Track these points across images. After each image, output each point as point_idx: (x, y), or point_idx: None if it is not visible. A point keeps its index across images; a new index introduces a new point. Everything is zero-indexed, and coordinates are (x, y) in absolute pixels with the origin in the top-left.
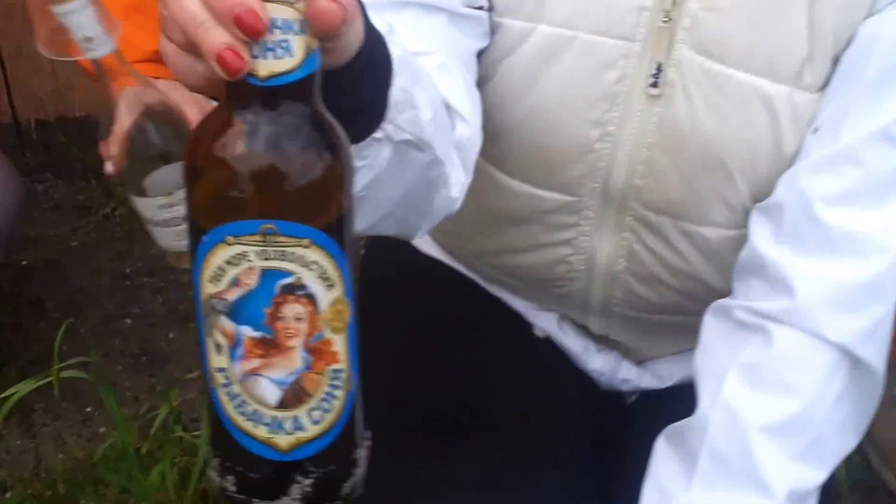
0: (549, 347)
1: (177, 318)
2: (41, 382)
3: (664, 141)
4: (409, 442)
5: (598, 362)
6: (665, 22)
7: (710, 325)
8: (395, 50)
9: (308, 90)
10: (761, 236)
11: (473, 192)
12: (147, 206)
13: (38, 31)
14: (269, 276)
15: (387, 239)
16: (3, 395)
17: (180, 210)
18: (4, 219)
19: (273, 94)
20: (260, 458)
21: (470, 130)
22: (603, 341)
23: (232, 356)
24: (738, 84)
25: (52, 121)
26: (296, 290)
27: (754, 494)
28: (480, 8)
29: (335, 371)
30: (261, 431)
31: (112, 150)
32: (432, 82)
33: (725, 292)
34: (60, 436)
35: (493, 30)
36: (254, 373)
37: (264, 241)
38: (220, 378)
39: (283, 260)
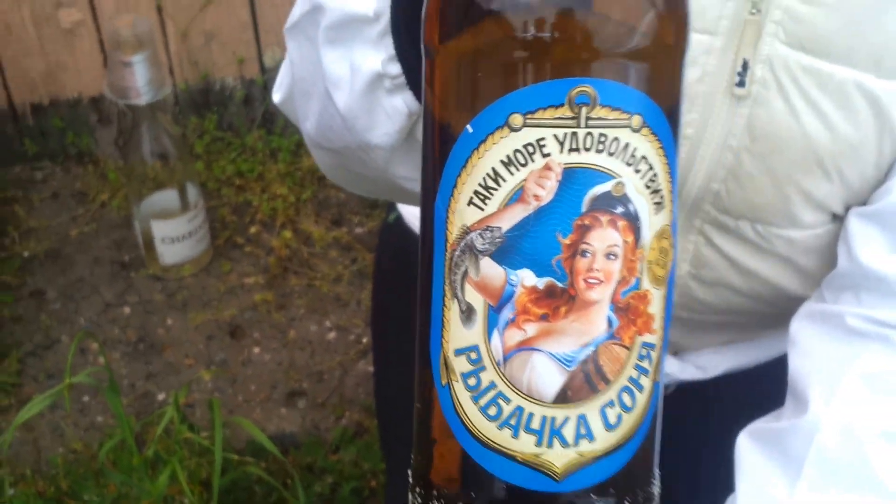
0: None
1: (174, 304)
2: (52, 395)
3: (754, 144)
4: None
5: None
6: (753, 14)
7: (811, 330)
8: None
9: None
10: (868, 247)
11: None
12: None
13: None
14: (574, 179)
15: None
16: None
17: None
18: None
19: None
20: (516, 489)
21: None
22: None
23: (491, 324)
24: (841, 81)
25: (46, 104)
26: (614, 204)
27: (872, 496)
28: None
29: (646, 346)
30: (522, 445)
31: None
32: None
33: (798, 295)
34: (59, 426)
35: None
36: (527, 346)
37: (574, 118)
38: (461, 365)
39: (600, 150)
